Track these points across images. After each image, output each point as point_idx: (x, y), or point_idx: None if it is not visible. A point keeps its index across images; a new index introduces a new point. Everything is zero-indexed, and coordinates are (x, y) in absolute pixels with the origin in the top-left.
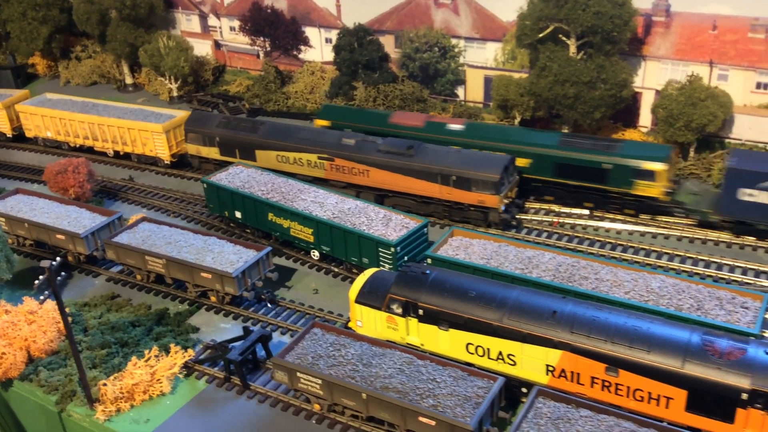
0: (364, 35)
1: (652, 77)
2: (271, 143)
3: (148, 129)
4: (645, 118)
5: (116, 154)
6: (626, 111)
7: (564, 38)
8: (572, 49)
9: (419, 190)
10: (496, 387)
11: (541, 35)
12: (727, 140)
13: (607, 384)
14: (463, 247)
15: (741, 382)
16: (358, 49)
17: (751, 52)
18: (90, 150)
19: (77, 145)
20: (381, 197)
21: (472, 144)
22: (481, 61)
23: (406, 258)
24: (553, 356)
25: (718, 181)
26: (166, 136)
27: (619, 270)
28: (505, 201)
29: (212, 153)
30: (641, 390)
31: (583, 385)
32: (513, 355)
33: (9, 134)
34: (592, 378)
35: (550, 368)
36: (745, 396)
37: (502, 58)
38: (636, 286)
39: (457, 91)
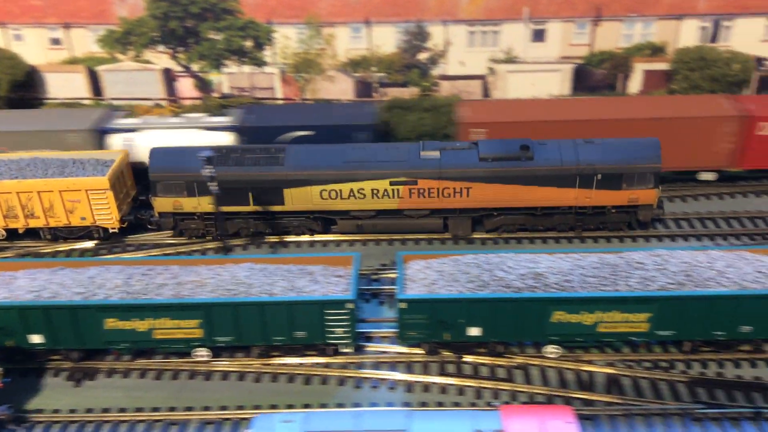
0: None
1: None
2: (309, 176)
3: (81, 186)
4: None
5: (11, 233)
6: None
7: None
8: None
9: (543, 200)
10: None
11: None
12: (46, 101)
13: None
14: None
15: None
16: None
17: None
18: None
19: None
20: (478, 219)
21: None
22: None
23: None
24: None
25: None
26: (114, 192)
27: None
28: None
29: (204, 204)
30: None
31: None
32: None
33: None
34: None
35: None
36: None
37: None
38: None
39: None
